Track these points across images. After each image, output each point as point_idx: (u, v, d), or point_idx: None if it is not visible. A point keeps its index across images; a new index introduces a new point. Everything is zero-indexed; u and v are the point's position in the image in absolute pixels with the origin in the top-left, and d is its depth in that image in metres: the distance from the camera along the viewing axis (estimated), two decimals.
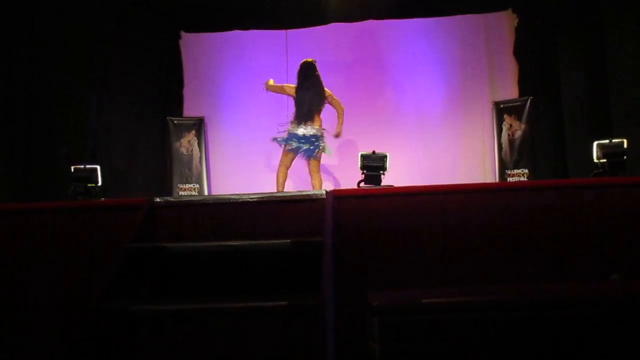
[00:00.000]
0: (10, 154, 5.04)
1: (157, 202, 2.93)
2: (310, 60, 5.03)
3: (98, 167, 3.76)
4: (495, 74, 6.19)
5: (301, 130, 4.88)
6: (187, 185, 6.21)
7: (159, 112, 6.36)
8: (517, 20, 6.07)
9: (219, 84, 6.48)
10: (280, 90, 5.15)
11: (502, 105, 5.97)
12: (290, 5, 6.28)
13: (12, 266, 2.91)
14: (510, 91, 6.10)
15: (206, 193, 6.17)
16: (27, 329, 2.84)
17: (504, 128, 5.91)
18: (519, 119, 5.82)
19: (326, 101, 5.00)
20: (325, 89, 5.00)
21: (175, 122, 6.30)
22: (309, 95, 4.91)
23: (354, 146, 5.91)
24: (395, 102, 6.30)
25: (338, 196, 2.84)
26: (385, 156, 3.67)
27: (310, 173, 5.01)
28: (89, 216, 2.93)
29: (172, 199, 3.07)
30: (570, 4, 5.63)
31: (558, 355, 1.92)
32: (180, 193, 6.11)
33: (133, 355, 2.54)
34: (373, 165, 3.64)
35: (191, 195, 5.96)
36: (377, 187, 3.46)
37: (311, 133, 4.88)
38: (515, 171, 5.78)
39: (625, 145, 3.48)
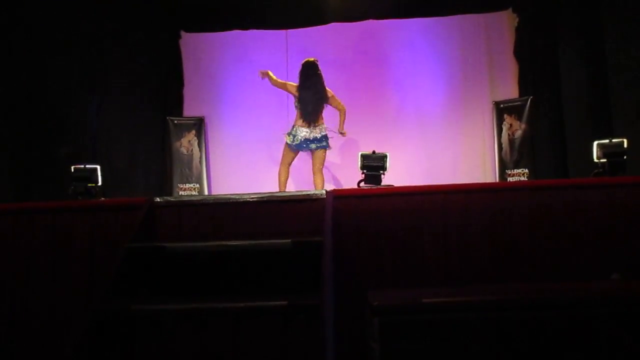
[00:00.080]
0: (11, 154, 5.04)
1: (157, 202, 2.93)
2: (312, 59, 5.05)
3: (98, 167, 3.76)
4: (495, 73, 6.18)
5: (305, 133, 4.91)
6: (187, 185, 6.21)
7: (159, 112, 6.36)
8: (517, 20, 6.07)
9: (219, 84, 6.48)
10: (282, 86, 5.17)
11: (502, 105, 5.97)
12: (291, 5, 6.28)
13: (13, 266, 2.91)
14: (510, 91, 6.09)
15: (206, 193, 6.17)
16: (27, 328, 2.84)
17: (504, 128, 5.91)
18: (519, 118, 5.82)
19: (328, 101, 5.02)
20: (328, 89, 5.02)
21: (176, 122, 6.30)
22: (311, 94, 4.93)
23: (354, 146, 5.91)
24: (396, 101, 6.30)
25: (338, 196, 2.84)
26: (386, 156, 3.66)
27: (313, 172, 5.03)
28: (89, 216, 2.93)
29: (172, 199, 3.07)
30: (570, 3, 5.63)
31: (558, 354, 1.92)
32: (180, 193, 6.11)
33: (133, 355, 2.54)
34: (373, 165, 3.63)
35: (191, 195, 5.96)
36: (377, 187, 3.46)
37: (316, 135, 4.91)
38: (516, 171, 5.78)
39: (625, 145, 3.47)
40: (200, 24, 6.52)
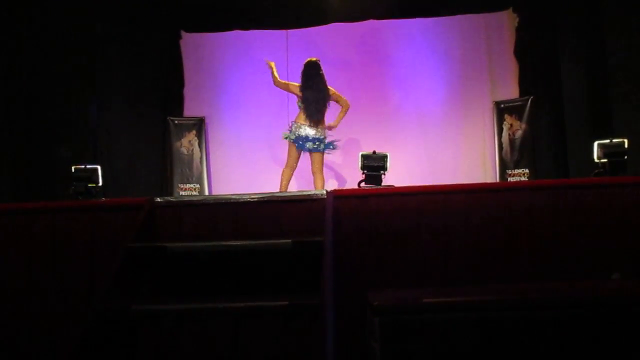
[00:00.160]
0: (11, 154, 5.05)
1: (158, 202, 2.93)
2: (314, 59, 5.05)
3: (99, 167, 3.77)
4: (495, 73, 6.19)
5: (304, 130, 4.91)
6: (188, 185, 6.22)
7: (160, 112, 6.36)
8: (517, 20, 6.07)
9: (220, 84, 6.48)
10: (284, 87, 5.17)
11: (502, 105, 5.96)
12: (291, 5, 6.28)
13: (13, 266, 2.91)
14: (510, 91, 6.10)
15: (207, 193, 6.18)
16: (28, 329, 2.84)
17: (505, 128, 5.91)
18: (520, 118, 5.82)
19: (331, 99, 5.03)
20: (329, 87, 5.02)
21: (176, 122, 6.30)
22: (314, 94, 4.94)
23: (355, 145, 5.91)
24: (396, 102, 6.30)
25: (338, 196, 2.84)
26: (386, 156, 3.67)
27: (313, 173, 5.03)
28: (89, 216, 2.93)
29: (172, 199, 3.07)
30: (571, 3, 5.63)
31: (558, 354, 1.92)
32: (180, 193, 6.11)
33: (133, 355, 2.55)
34: (374, 165, 3.64)
35: (192, 195, 5.96)
36: (378, 187, 3.46)
37: (315, 136, 4.92)
38: (516, 171, 5.78)
39: (625, 145, 3.48)
40: (200, 24, 6.52)
